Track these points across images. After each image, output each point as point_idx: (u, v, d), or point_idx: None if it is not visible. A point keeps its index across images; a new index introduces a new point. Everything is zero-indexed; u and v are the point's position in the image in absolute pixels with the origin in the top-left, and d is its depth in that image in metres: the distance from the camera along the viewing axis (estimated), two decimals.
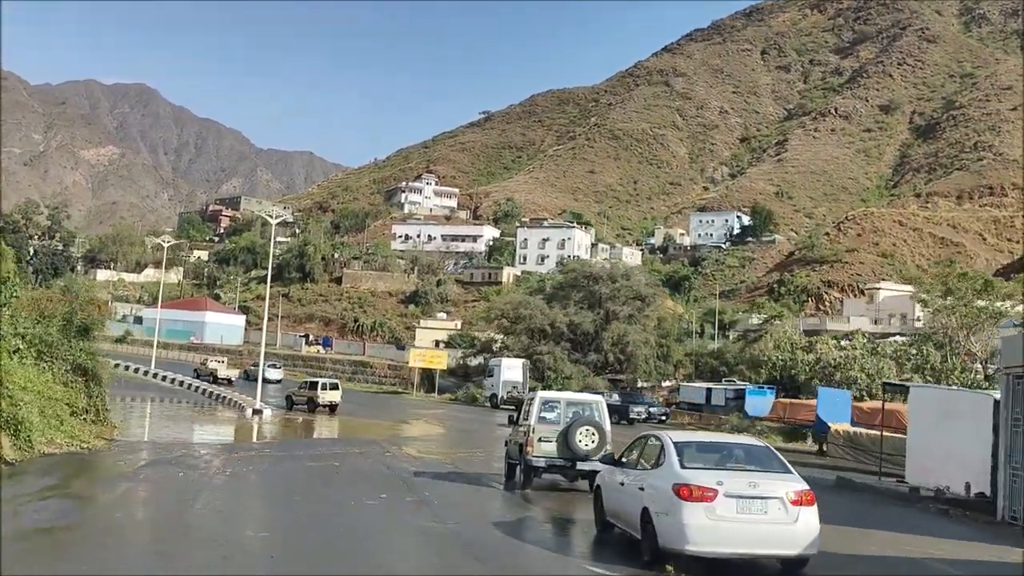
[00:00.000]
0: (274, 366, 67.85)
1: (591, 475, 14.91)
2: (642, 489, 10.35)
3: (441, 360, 59.33)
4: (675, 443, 10.49)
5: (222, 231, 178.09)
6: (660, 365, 66.60)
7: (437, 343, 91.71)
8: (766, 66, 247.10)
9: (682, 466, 9.95)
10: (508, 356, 56.33)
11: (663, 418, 47.05)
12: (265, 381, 66.73)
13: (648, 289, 67.95)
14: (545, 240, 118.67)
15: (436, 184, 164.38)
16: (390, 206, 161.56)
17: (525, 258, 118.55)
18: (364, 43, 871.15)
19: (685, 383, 68.78)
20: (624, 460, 11.70)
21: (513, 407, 35.95)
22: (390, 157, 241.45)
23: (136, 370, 55.75)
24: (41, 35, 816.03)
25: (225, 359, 66.24)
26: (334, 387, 40.08)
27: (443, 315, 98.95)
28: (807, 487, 9.85)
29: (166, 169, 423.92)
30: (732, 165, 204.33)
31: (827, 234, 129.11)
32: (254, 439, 29.05)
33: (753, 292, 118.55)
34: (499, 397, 51.42)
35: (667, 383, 71.41)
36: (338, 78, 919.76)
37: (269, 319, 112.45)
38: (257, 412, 36.16)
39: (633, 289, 66.18)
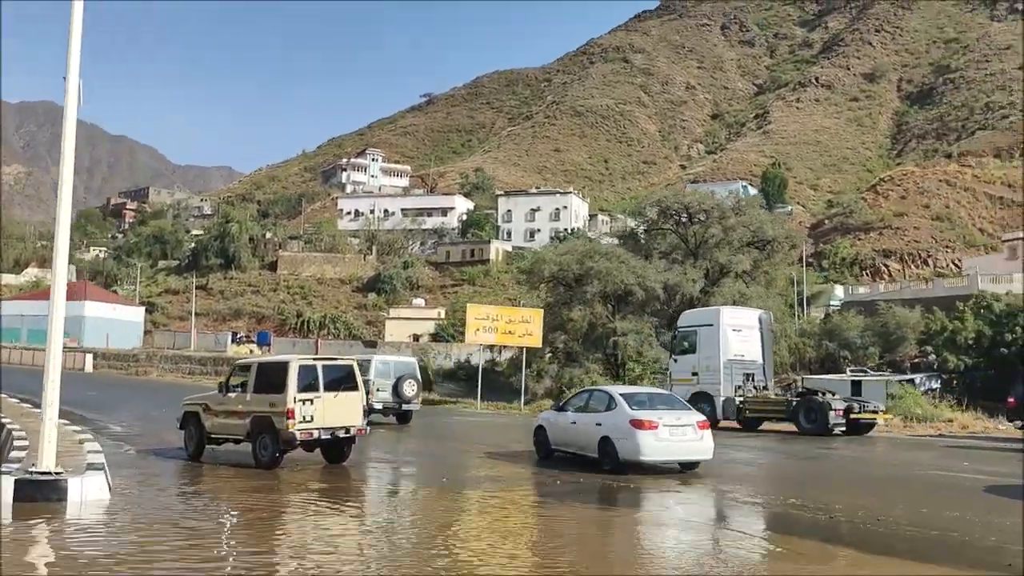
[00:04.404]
0: None
1: (409, 413, 24.28)
2: (599, 425, 15.39)
3: (535, 329, 32.93)
4: (622, 394, 15.88)
5: (127, 226, 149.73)
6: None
7: (416, 337, 66.89)
8: (728, 41, 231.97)
9: (631, 408, 15.16)
10: (730, 306, 31.29)
11: None
12: None
13: (775, 229, 44.48)
14: (534, 210, 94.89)
15: (383, 161, 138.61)
16: (328, 187, 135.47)
17: (510, 233, 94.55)
18: (280, 38, 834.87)
19: (809, 376, 45.86)
20: (567, 408, 17.06)
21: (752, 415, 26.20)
22: (321, 147, 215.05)
23: None
24: None
25: None
26: (342, 381, 15.36)
27: (420, 301, 74.10)
28: (705, 418, 15.80)
29: (78, 188, 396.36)
30: (708, 142, 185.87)
31: (863, 199, 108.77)
32: None
33: (790, 267, 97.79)
34: (724, 399, 26.20)
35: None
36: (255, 81, 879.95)
37: (180, 318, 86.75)
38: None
39: (751, 230, 42.80)
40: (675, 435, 14.81)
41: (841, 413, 23.62)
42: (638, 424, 14.61)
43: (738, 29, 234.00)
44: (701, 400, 26.10)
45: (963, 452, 19.42)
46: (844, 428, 23.70)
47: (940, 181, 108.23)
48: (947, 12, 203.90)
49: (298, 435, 14.36)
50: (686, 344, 27.97)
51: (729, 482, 14.38)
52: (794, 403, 24.51)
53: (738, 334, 27.08)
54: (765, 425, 25.49)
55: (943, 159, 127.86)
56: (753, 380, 26.17)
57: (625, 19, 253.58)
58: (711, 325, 27.33)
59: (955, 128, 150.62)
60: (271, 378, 14.89)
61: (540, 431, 17.29)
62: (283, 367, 14.82)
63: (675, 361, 28.27)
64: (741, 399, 25.54)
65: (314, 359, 15.78)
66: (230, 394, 15.58)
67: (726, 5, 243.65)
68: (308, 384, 14.66)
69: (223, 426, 15.54)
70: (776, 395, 26.29)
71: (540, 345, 34.01)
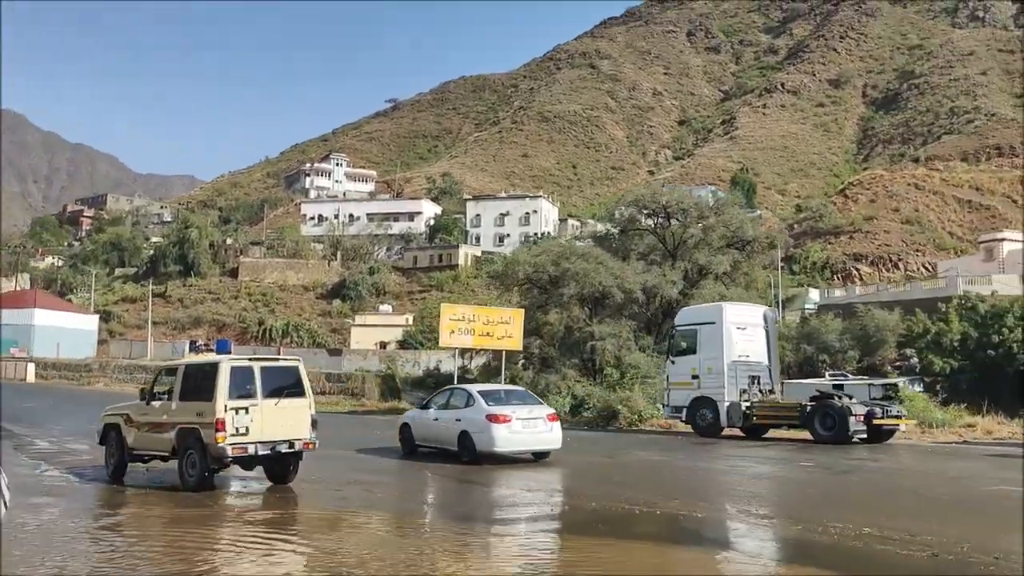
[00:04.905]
0: None
1: None
2: (459, 420, 16.73)
3: (515, 331, 29.84)
4: (479, 392, 17.33)
5: (84, 234, 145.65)
6: None
7: (383, 344, 64.79)
8: (694, 48, 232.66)
9: (487, 404, 16.54)
10: (734, 305, 27.01)
11: None
12: None
13: (755, 229, 43.10)
14: (504, 215, 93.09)
15: (348, 166, 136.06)
16: (292, 192, 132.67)
17: (479, 238, 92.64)
18: (252, 44, 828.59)
19: (788, 380, 44.21)
20: (430, 406, 18.23)
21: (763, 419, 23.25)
22: (284, 152, 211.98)
23: None
24: None
25: None
26: (286, 386, 13.07)
27: (387, 308, 71.92)
28: (554, 411, 17.72)
29: (36, 197, 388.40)
30: (675, 148, 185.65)
31: (833, 203, 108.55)
32: None
33: (764, 270, 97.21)
34: (728, 404, 23.25)
35: None
36: (221, 87, 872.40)
37: (138, 327, 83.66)
38: None
39: (730, 230, 41.31)
40: (527, 427, 16.32)
41: (862, 419, 20.90)
42: (493, 418, 16.07)
43: (703, 36, 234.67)
44: (703, 405, 23.66)
45: (1015, 462, 17.31)
46: (865, 435, 21.29)
47: (909, 185, 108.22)
48: (910, 19, 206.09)
49: (230, 451, 12.01)
50: (684, 344, 24.78)
51: (768, 505, 12.08)
52: (808, 408, 21.72)
53: (742, 332, 24.09)
54: (771, 432, 23.16)
55: (910, 163, 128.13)
56: (759, 383, 23.81)
57: (591, 25, 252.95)
58: (713, 323, 24.18)
59: (921, 133, 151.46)
60: (199, 383, 12.59)
61: (405, 428, 18.41)
62: (212, 369, 12.46)
63: (672, 363, 25.04)
64: (747, 404, 23.01)
65: (250, 359, 13.39)
66: (154, 403, 13.26)
67: (691, 12, 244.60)
68: (243, 390, 12.36)
69: (146, 440, 13.20)
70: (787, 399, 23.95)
71: (521, 348, 31.52)
